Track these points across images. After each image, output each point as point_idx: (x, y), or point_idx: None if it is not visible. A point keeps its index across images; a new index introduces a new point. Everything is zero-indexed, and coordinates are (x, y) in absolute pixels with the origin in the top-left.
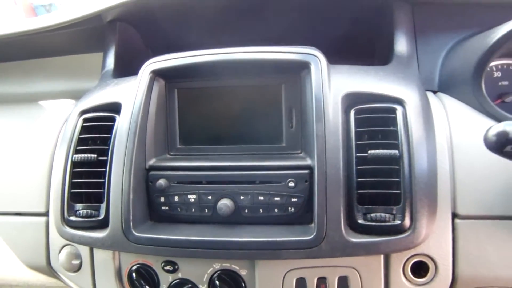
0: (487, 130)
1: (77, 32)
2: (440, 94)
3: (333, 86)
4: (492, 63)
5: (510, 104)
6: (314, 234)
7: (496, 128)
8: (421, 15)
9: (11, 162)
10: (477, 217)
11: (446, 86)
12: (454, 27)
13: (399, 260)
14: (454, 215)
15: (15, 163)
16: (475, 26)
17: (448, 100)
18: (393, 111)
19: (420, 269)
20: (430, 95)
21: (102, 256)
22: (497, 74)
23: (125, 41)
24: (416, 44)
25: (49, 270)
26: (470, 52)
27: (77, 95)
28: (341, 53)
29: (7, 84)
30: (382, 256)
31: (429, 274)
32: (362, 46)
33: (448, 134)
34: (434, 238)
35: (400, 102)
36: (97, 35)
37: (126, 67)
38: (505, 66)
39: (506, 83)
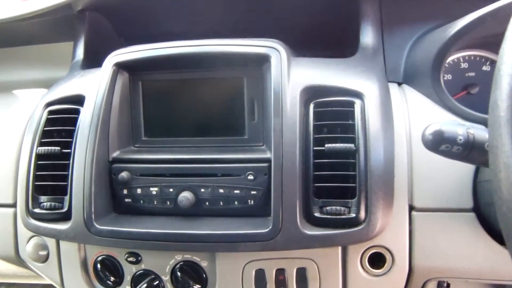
0: (424, 129)
1: (50, 21)
2: (404, 86)
3: (293, 79)
4: (458, 54)
5: (476, 96)
6: (270, 227)
7: (433, 127)
8: (388, 6)
9: None
10: (433, 210)
11: (409, 78)
12: (421, 18)
13: (356, 252)
14: (411, 208)
15: None
16: (441, 17)
17: (410, 93)
18: (352, 104)
19: (378, 260)
20: (393, 86)
21: (68, 248)
22: (464, 65)
23: (96, 31)
24: (382, 36)
25: (18, 260)
26: (431, 44)
27: (51, 84)
28: (311, 44)
29: None
30: (339, 247)
31: (386, 265)
32: (332, 37)
33: (407, 126)
34: (390, 230)
35: (359, 95)
36: (70, 25)
37: (98, 57)
38: (472, 58)
39: (472, 74)
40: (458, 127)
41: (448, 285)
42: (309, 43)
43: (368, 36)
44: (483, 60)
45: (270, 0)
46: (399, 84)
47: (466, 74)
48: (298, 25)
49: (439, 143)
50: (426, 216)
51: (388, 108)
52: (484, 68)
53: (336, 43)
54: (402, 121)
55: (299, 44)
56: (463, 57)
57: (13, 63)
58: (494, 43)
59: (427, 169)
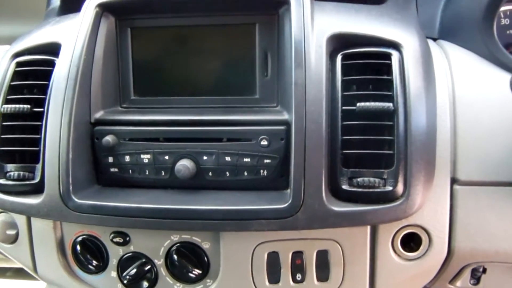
0: None
1: None
2: (441, 42)
3: (317, 26)
4: (501, 8)
5: None
6: (290, 201)
7: None
8: None
9: None
10: (479, 183)
11: (448, 32)
12: None
13: (388, 232)
14: (453, 180)
15: None
16: None
17: (451, 48)
18: (388, 56)
19: (411, 241)
20: (430, 42)
21: (41, 226)
22: (505, 21)
23: None
24: None
25: None
26: None
27: None
28: None
29: None
30: (368, 227)
31: (421, 247)
32: None
33: (450, 86)
34: (429, 207)
35: (396, 46)
36: None
37: (78, 3)
38: None
39: None
40: None
41: (484, 270)
42: None
43: None
44: None
45: None
46: (434, 40)
47: (508, 32)
48: None
49: None
50: (471, 191)
51: (430, 63)
52: None
53: None
54: (444, 80)
55: None
56: (504, 12)
57: None
58: None
59: (474, 136)
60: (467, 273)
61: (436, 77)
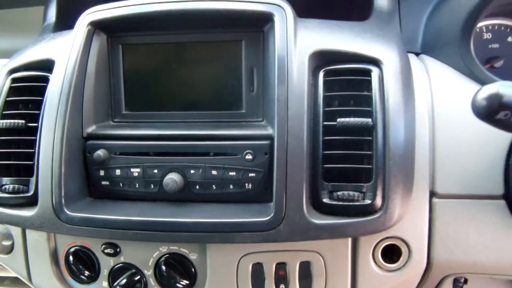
0: (476, 93)
1: None
2: (423, 57)
3: (300, 42)
4: (482, 23)
5: (500, 70)
6: (272, 215)
7: (488, 89)
8: None
9: None
10: (457, 196)
11: (430, 47)
12: None
13: (368, 244)
14: (432, 194)
15: None
16: None
17: (432, 63)
18: (368, 73)
19: (392, 253)
20: (411, 57)
21: (35, 237)
22: (487, 35)
23: None
24: (399, 0)
25: None
26: (458, 9)
27: None
28: (315, 7)
29: None
30: (350, 239)
31: (401, 259)
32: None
33: (429, 101)
34: (408, 219)
35: (376, 62)
36: None
37: (73, 20)
38: (496, 27)
39: (496, 46)
40: None
41: (466, 281)
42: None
43: None
44: (508, 30)
45: None
46: (417, 54)
47: (490, 46)
48: None
49: (496, 111)
50: (449, 204)
51: (409, 79)
52: (510, 39)
53: (343, 7)
54: (424, 95)
55: (299, 7)
56: (486, 26)
57: None
58: None
59: (452, 149)
60: (448, 284)
61: (416, 92)
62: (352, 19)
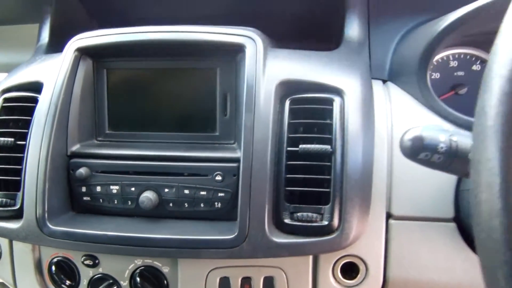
0: (404, 134)
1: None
2: (389, 84)
3: (268, 72)
4: (449, 52)
5: (464, 97)
6: (236, 233)
7: (412, 132)
8: None
9: None
10: (411, 218)
11: (395, 75)
12: (410, 11)
13: (328, 261)
14: (388, 215)
15: None
16: (432, 11)
17: (395, 91)
18: (330, 102)
19: (351, 270)
20: (378, 84)
21: (21, 247)
22: (453, 63)
23: (64, 12)
24: (369, 29)
25: None
26: (419, 40)
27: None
28: (297, 35)
29: None
30: (310, 256)
31: (359, 275)
32: (318, 28)
33: (390, 128)
34: (366, 239)
35: (338, 92)
36: (35, 3)
37: (65, 42)
38: (461, 56)
39: (461, 73)
40: (440, 133)
41: None
42: (294, 34)
43: (353, 29)
44: (473, 58)
45: None
46: (384, 81)
47: (455, 73)
48: (283, 13)
49: (418, 151)
50: (404, 225)
51: (370, 108)
52: (474, 67)
53: (323, 35)
54: (384, 122)
55: (283, 35)
56: (453, 55)
57: None
58: (486, 41)
59: (407, 174)
60: None
61: (377, 118)
62: (322, 49)
